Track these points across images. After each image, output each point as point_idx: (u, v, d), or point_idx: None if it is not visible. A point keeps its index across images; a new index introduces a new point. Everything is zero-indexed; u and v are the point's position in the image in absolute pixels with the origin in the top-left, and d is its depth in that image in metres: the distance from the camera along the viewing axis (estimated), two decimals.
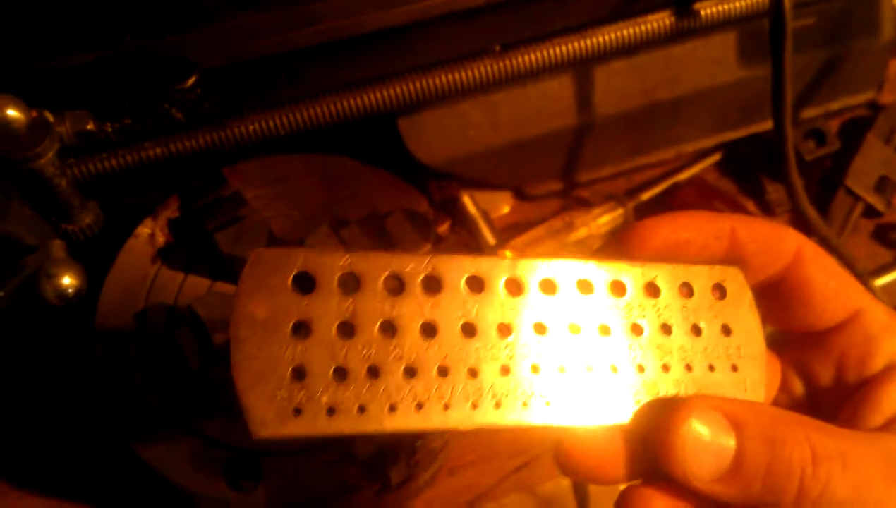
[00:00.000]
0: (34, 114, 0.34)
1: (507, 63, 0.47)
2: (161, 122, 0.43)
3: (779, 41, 0.45)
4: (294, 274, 0.20)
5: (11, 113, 0.30)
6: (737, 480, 0.21)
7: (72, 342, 0.43)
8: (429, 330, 0.21)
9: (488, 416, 0.21)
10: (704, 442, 0.21)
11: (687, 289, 0.24)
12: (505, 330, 0.22)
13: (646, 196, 0.57)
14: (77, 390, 0.44)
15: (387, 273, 0.21)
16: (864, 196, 0.57)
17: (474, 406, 0.21)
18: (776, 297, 0.26)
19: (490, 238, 0.52)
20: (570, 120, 0.53)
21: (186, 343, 0.37)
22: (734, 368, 0.24)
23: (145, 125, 0.42)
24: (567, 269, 0.23)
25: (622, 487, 0.23)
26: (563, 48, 0.48)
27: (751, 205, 0.59)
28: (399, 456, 0.37)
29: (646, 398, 0.23)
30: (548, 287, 0.23)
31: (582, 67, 0.52)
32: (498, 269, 0.22)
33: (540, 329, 0.22)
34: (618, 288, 0.24)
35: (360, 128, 0.47)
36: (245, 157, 0.45)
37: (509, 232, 0.55)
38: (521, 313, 0.22)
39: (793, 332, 0.27)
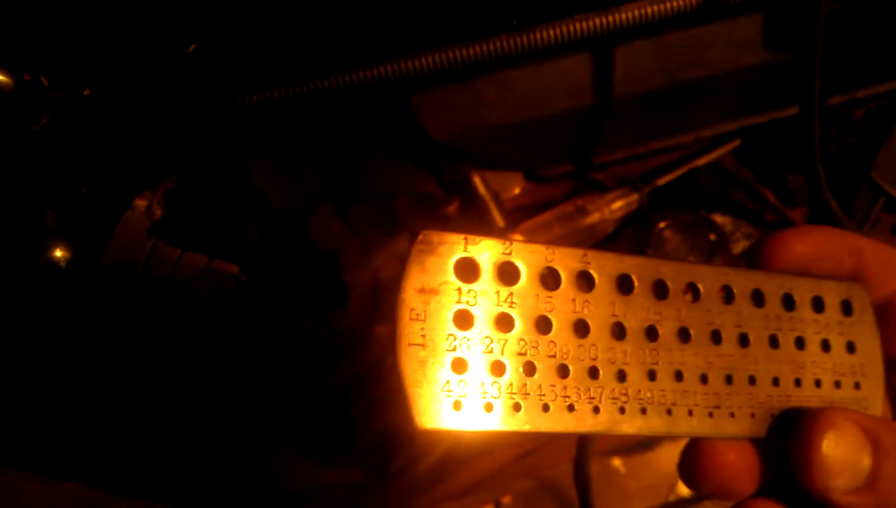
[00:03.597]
0: (27, 78, 0.32)
1: (524, 39, 0.45)
2: (162, 91, 0.41)
3: (812, 24, 0.43)
4: (456, 259, 0.19)
5: None
6: (873, 492, 0.21)
7: (72, 316, 0.41)
8: (580, 328, 0.21)
9: (635, 422, 0.21)
10: (843, 456, 0.21)
11: (818, 304, 0.25)
12: (651, 333, 0.21)
13: (662, 181, 0.55)
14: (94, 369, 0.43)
15: (544, 266, 0.20)
16: (889, 189, 0.55)
17: (622, 411, 0.21)
18: (879, 320, 0.26)
19: (499, 220, 0.50)
20: (587, 100, 0.51)
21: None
22: (857, 386, 0.25)
23: (145, 94, 0.41)
24: (709, 275, 0.23)
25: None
26: (583, 25, 0.46)
27: (770, 195, 0.57)
28: (398, 445, 0.36)
29: (778, 411, 0.23)
30: (692, 291, 0.23)
31: (601, 46, 0.50)
32: (646, 270, 0.22)
33: (684, 335, 0.22)
34: (757, 298, 0.23)
35: (371, 111, 0.45)
36: (255, 138, 0.44)
37: (519, 213, 0.53)
38: (666, 317, 0.22)
39: (890, 356, 0.27)
